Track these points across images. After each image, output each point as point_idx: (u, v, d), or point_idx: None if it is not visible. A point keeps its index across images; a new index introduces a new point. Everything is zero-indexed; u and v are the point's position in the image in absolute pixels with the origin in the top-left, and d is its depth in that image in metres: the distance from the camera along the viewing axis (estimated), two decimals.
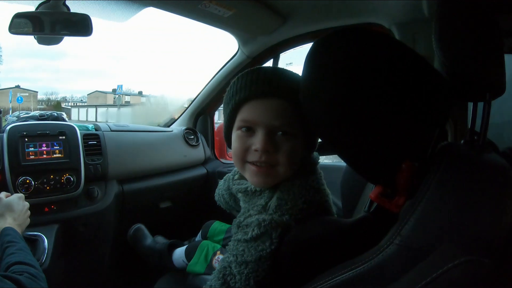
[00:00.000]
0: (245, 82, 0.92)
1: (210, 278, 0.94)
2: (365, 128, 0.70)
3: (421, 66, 0.70)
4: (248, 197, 1.01)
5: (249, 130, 0.91)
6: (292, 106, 0.88)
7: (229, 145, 0.99)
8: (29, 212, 1.41)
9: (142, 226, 1.88)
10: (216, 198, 1.46)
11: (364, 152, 0.73)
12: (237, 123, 0.93)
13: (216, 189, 1.48)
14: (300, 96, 0.79)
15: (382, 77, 0.68)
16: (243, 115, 0.92)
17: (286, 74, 0.94)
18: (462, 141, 0.77)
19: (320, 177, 0.97)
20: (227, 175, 1.37)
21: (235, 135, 0.95)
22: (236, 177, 1.11)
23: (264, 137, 0.88)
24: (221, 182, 1.43)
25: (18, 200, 1.39)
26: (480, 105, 0.74)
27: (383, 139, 0.70)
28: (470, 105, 0.79)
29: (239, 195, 1.05)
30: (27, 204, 1.42)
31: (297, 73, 0.94)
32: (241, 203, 1.05)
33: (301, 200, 0.90)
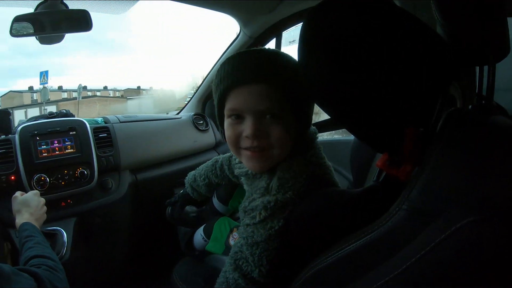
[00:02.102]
0: (228, 70, 0.91)
1: (225, 265, 0.96)
2: (367, 96, 0.69)
3: (420, 29, 0.69)
4: (250, 180, 1.02)
5: (239, 117, 0.92)
6: (276, 89, 0.88)
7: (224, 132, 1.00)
8: (45, 207, 1.44)
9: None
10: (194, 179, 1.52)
11: (368, 120, 0.72)
12: (226, 112, 0.94)
13: (193, 173, 1.54)
14: (300, 72, 0.78)
15: (381, 43, 0.67)
16: (230, 104, 0.92)
17: (266, 58, 0.93)
18: (470, 107, 0.77)
19: (319, 152, 0.98)
20: (216, 158, 1.46)
21: (226, 123, 0.95)
22: (237, 160, 1.13)
23: (253, 123, 0.89)
24: (208, 163, 1.48)
25: (33, 196, 1.42)
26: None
27: (386, 106, 0.70)
28: (478, 71, 0.79)
29: (242, 178, 1.07)
30: (42, 200, 1.44)
31: (278, 52, 0.95)
32: (244, 187, 1.07)
33: (302, 177, 0.90)
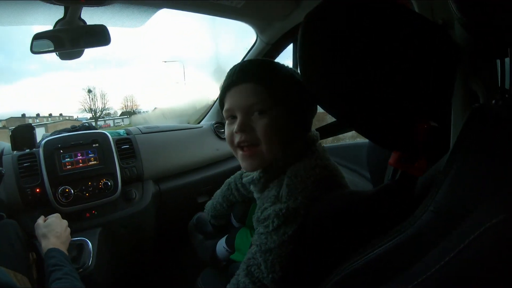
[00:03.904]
0: (225, 77, 1.03)
1: (239, 268, 0.98)
2: (372, 94, 0.69)
3: (421, 23, 0.69)
4: (257, 187, 1.05)
5: (234, 117, 1.00)
6: (263, 87, 0.96)
7: None
8: (69, 229, 1.45)
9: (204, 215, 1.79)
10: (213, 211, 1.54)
11: (375, 118, 0.72)
12: (224, 114, 1.03)
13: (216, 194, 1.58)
14: (302, 75, 0.80)
15: (382, 40, 0.67)
16: (225, 106, 1.02)
17: (256, 62, 1.03)
18: (493, 101, 0.76)
19: (322, 154, 1.00)
20: (227, 181, 1.53)
21: (225, 125, 1.04)
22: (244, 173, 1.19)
23: (240, 118, 0.97)
24: (223, 189, 1.55)
25: (56, 219, 1.45)
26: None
27: (393, 103, 0.70)
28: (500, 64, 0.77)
29: (251, 187, 1.10)
30: (65, 222, 1.46)
31: (266, 59, 1.06)
32: (255, 195, 1.10)
33: (309, 180, 0.92)
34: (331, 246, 0.81)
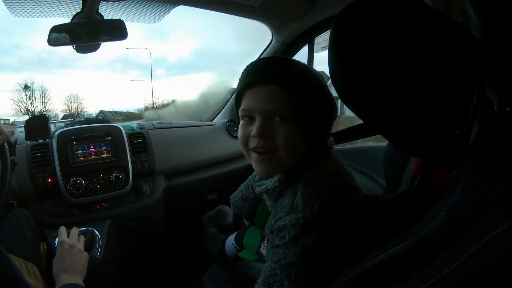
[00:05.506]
0: (244, 74, 0.96)
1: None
2: (400, 99, 0.69)
3: (452, 29, 0.68)
4: (271, 196, 1.02)
5: (251, 118, 0.95)
6: (287, 92, 0.91)
7: None
8: (79, 246, 1.36)
9: (225, 208, 1.78)
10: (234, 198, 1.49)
11: (402, 123, 0.72)
12: (240, 113, 0.98)
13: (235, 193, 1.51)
14: (330, 73, 0.79)
15: (413, 43, 0.67)
16: (243, 105, 0.96)
17: (282, 62, 0.96)
18: (508, 109, 0.75)
19: (336, 160, 0.98)
20: (250, 177, 1.43)
21: (240, 124, 0.98)
22: (257, 178, 1.15)
23: (260, 122, 0.92)
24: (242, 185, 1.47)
25: (59, 249, 1.31)
26: None
27: (420, 108, 0.69)
28: None
29: (264, 196, 1.07)
30: (72, 242, 1.34)
31: (290, 58, 0.98)
32: (267, 203, 1.07)
33: (325, 187, 0.91)
34: (348, 250, 0.80)
